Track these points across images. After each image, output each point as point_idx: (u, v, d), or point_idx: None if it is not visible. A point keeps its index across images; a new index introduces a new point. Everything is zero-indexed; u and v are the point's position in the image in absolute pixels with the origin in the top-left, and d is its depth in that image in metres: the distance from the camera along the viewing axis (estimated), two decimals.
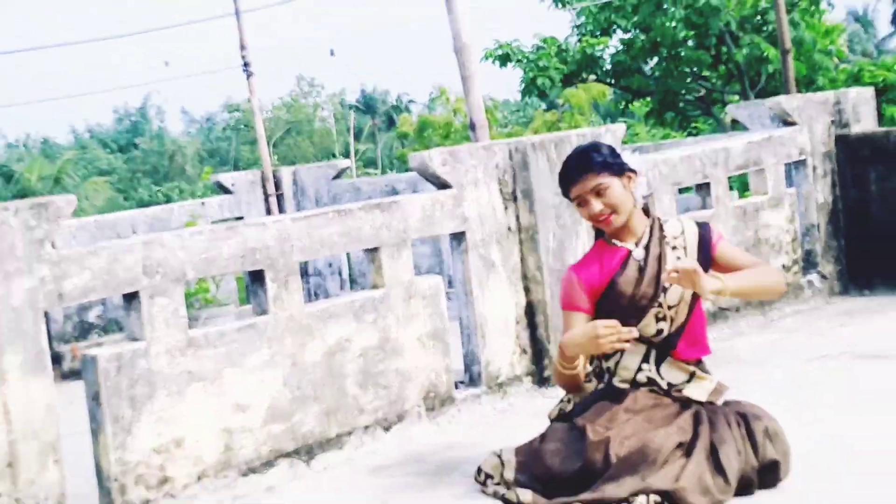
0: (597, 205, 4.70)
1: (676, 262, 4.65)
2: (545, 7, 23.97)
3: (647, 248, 4.78)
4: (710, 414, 4.61)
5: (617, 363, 4.79)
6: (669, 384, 4.73)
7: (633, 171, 4.79)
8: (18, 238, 4.77)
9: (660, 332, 4.73)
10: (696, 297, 4.76)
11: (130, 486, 5.03)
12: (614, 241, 4.82)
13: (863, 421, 5.44)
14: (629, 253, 4.76)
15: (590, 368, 4.92)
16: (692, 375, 4.76)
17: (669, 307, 4.73)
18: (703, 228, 4.87)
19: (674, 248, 4.79)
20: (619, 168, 4.75)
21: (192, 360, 5.26)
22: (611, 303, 4.74)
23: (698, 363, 4.84)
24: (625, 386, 4.76)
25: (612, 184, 4.71)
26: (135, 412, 5.06)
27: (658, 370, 4.75)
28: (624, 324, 4.59)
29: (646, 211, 4.89)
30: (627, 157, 4.86)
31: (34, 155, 51.08)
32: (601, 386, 4.83)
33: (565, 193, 4.86)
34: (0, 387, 4.66)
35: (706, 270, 4.69)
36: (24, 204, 4.82)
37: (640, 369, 4.75)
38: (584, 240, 6.87)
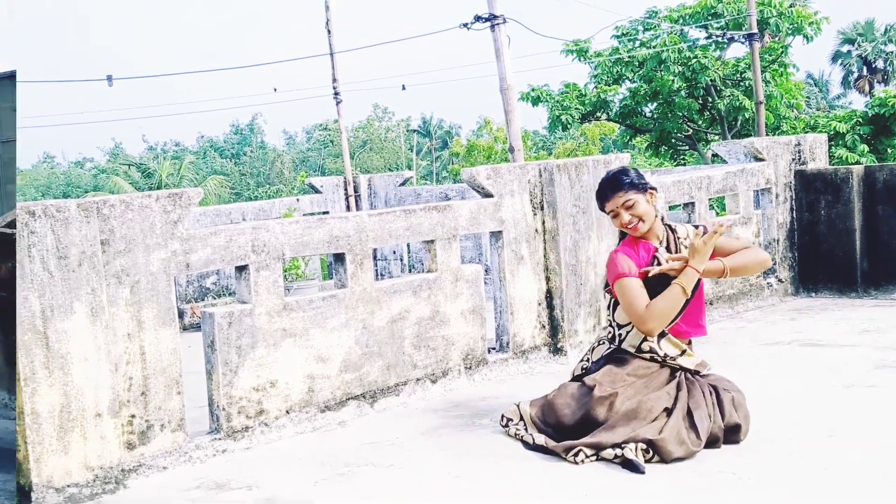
0: (626, 216, 4.70)
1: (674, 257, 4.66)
2: (570, 60, 23.91)
3: (667, 248, 4.78)
4: (689, 384, 4.60)
5: (628, 332, 4.75)
6: (666, 355, 4.69)
7: (654, 189, 4.79)
8: (157, 219, 4.81)
9: None
10: (697, 287, 4.73)
11: (234, 415, 5.07)
12: (642, 240, 4.79)
13: (802, 389, 5.45)
14: (656, 250, 4.73)
15: (605, 333, 4.89)
16: (683, 352, 4.73)
17: None
18: (699, 228, 4.87)
19: (686, 246, 4.79)
20: (643, 187, 4.75)
21: (286, 320, 5.29)
22: (648, 286, 4.67)
23: (689, 343, 4.81)
24: (631, 350, 4.70)
25: (638, 199, 4.71)
26: (240, 358, 5.09)
27: (658, 343, 4.70)
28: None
29: (661, 219, 4.88)
30: (649, 177, 4.83)
31: (167, 156, 51.35)
32: (611, 348, 4.79)
33: (601, 207, 4.84)
34: (139, 333, 4.71)
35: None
36: (163, 193, 4.85)
37: (644, 339, 4.69)
38: (594, 242, 6.85)
